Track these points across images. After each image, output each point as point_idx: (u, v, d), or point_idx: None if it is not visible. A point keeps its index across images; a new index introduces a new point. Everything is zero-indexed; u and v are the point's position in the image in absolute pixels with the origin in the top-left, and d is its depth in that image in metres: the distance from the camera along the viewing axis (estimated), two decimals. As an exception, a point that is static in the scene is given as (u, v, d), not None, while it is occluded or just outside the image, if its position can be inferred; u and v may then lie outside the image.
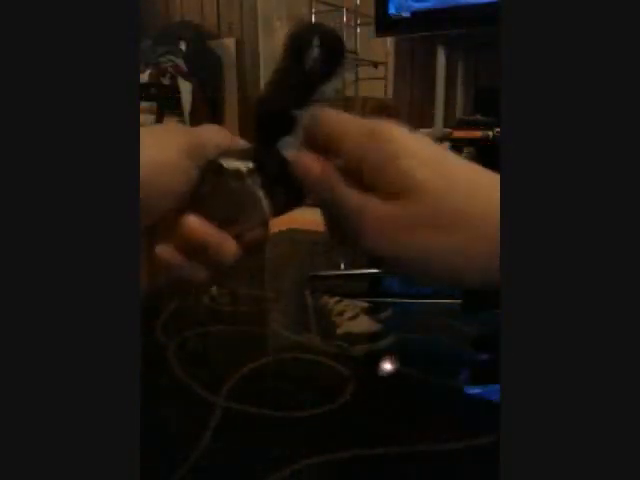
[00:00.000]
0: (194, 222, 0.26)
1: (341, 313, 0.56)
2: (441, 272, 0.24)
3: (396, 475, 0.33)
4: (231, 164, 0.26)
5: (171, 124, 0.27)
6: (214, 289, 0.66)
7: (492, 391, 0.41)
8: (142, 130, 0.23)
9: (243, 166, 0.26)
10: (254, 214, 0.27)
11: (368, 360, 0.49)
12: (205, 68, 1.97)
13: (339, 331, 0.52)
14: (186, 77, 1.92)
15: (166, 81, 2.05)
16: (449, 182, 0.24)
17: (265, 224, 0.28)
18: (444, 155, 0.25)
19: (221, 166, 0.26)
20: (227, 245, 0.27)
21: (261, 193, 0.26)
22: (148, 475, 0.22)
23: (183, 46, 1.95)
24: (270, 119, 0.27)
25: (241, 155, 0.27)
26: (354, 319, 0.54)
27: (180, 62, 1.99)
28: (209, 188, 0.27)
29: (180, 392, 0.42)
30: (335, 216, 0.25)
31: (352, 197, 0.24)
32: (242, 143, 0.29)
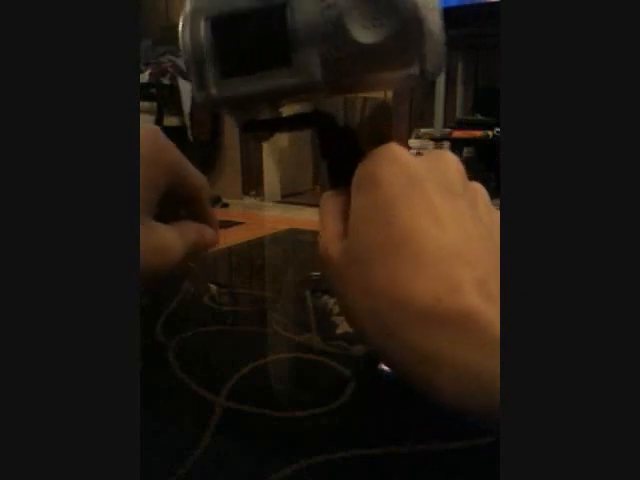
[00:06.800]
0: None
1: (341, 313, 0.56)
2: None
3: (396, 475, 0.33)
4: None
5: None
6: (214, 289, 0.66)
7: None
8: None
9: None
10: None
11: (368, 360, 0.49)
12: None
13: (339, 331, 0.52)
14: (186, 77, 1.92)
15: (166, 81, 2.05)
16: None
17: None
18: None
19: None
20: None
21: None
22: (148, 475, 0.22)
23: (183, 46, 1.95)
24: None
25: None
26: (354, 319, 0.54)
27: (180, 62, 1.99)
28: None
29: (180, 392, 0.42)
30: None
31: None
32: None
